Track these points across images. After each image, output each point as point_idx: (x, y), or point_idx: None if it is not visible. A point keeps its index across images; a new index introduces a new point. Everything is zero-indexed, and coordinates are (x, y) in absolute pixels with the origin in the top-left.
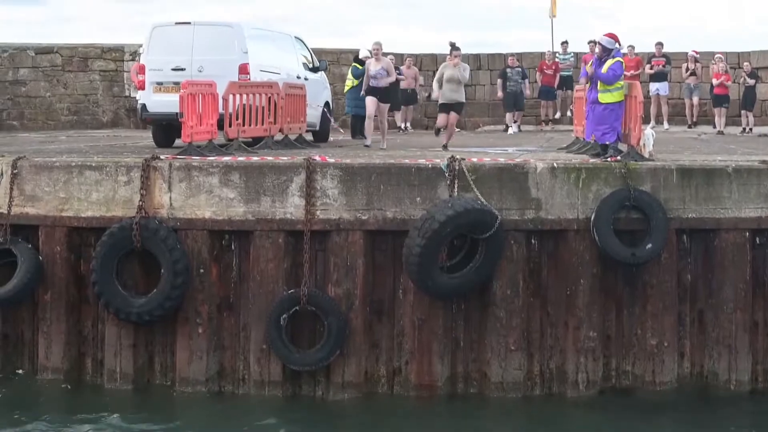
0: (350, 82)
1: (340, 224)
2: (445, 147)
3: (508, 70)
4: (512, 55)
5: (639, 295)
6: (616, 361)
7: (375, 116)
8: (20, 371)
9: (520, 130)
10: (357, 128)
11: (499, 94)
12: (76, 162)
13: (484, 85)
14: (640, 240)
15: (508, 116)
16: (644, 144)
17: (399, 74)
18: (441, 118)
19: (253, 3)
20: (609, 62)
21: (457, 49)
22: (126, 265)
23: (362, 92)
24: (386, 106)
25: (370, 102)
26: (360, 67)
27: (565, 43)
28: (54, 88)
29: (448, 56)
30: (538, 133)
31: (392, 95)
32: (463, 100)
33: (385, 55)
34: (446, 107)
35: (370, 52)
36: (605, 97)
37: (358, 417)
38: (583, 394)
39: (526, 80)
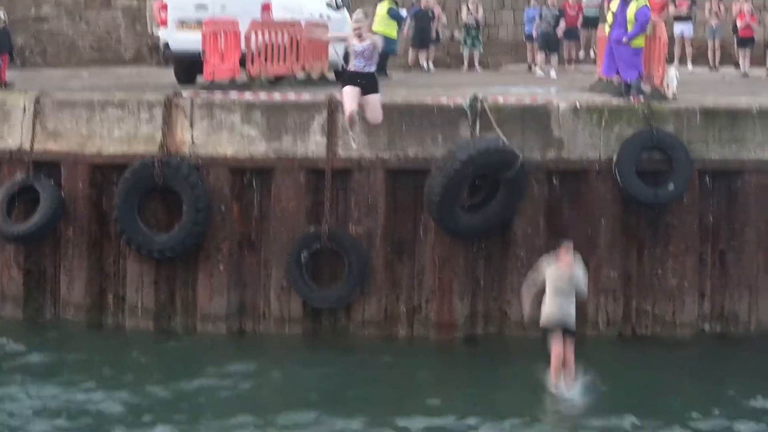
0: (384, 27)
1: (362, 163)
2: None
3: (544, 8)
4: None
5: (660, 236)
6: (636, 301)
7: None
8: (43, 307)
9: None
10: (383, 67)
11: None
12: (99, 99)
13: (507, 24)
14: (662, 181)
15: (540, 57)
16: (668, 85)
17: (432, 16)
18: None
19: None
20: (634, 5)
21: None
22: (148, 202)
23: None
24: (376, 99)
25: (349, 95)
26: (396, 6)
27: None
28: (76, 26)
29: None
30: (561, 73)
31: (425, 35)
32: (574, 317)
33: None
34: (559, 330)
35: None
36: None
37: (377, 354)
38: (603, 333)
39: (561, 21)
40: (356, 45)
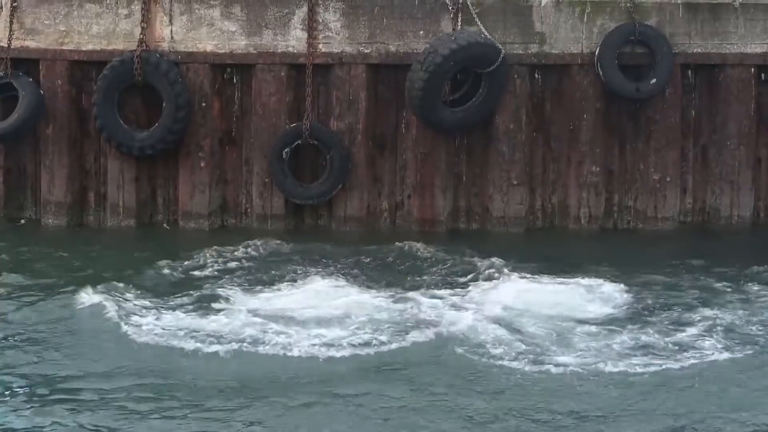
0: None
1: (343, 58)
2: None
3: None
4: None
5: (642, 131)
6: (618, 196)
7: None
8: (23, 206)
9: None
10: None
11: None
12: None
13: None
14: (644, 75)
15: None
16: None
17: None
18: None
19: None
20: None
21: None
22: (127, 99)
23: None
24: None
25: None
26: None
27: None
28: None
29: None
30: None
31: None
32: None
33: None
34: None
35: None
36: None
37: (359, 247)
38: (584, 228)
39: None
40: None
